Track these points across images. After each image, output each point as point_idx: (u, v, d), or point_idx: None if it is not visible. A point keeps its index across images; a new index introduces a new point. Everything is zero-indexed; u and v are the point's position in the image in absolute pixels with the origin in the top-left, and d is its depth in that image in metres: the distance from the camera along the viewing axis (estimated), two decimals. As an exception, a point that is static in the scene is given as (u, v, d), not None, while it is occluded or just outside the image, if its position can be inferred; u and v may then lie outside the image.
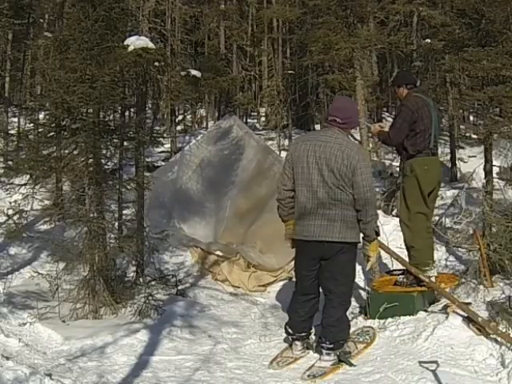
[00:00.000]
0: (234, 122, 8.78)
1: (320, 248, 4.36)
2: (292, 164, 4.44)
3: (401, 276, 5.69)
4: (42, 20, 12.44)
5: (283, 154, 12.21)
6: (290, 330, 4.77)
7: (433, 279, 5.46)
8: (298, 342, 4.75)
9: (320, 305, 4.71)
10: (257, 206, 7.85)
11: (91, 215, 5.85)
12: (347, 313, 4.69)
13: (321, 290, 4.67)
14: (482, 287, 5.43)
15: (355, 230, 4.37)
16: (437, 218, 7.68)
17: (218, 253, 7.33)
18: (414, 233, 5.53)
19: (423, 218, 5.56)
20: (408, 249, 5.66)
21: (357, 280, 6.83)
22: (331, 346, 4.44)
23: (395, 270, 6.15)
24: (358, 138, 9.93)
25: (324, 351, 4.48)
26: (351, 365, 4.47)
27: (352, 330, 4.82)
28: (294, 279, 6.76)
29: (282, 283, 7.22)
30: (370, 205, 4.28)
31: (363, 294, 6.35)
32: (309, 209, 4.33)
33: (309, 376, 4.38)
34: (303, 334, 4.75)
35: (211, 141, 8.70)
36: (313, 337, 4.94)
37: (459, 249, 6.94)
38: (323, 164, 4.28)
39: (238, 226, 7.72)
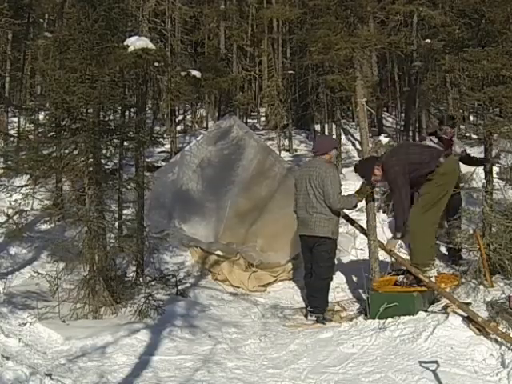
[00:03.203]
0: (234, 122, 8.78)
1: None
2: (296, 185, 6.20)
3: (401, 276, 5.69)
4: (41, 20, 12.44)
5: (283, 154, 12.23)
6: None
7: (433, 279, 5.46)
8: (308, 307, 6.09)
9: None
10: (257, 205, 7.85)
11: (91, 215, 5.85)
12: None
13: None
14: (481, 287, 5.42)
15: (327, 228, 5.91)
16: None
17: (219, 252, 7.33)
18: (418, 234, 5.53)
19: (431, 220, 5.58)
20: (409, 248, 5.67)
21: (356, 280, 6.88)
22: (311, 309, 5.97)
23: (395, 270, 6.16)
24: (358, 138, 9.95)
25: (308, 313, 5.99)
26: (323, 324, 5.77)
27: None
28: (293, 280, 7.29)
29: (282, 283, 7.23)
30: (335, 204, 5.88)
31: (363, 294, 6.36)
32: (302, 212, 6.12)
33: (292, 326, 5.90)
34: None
35: (211, 141, 8.70)
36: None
37: (459, 249, 6.92)
38: (309, 182, 5.96)
39: (239, 225, 7.71)
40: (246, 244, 7.56)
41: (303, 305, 6.48)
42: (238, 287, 6.97)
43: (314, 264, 6.00)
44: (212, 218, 7.86)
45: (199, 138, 9.30)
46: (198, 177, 8.39)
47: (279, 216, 7.55)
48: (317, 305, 5.95)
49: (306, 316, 6.06)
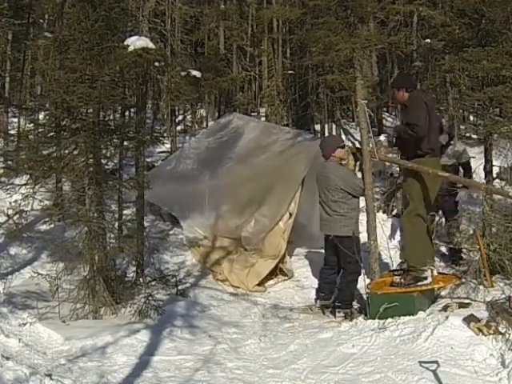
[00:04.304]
0: (234, 116, 8.83)
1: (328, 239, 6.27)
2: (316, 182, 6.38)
3: (397, 277, 5.66)
4: (41, 20, 12.41)
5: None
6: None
7: (429, 280, 5.46)
8: (317, 301, 6.29)
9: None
10: (254, 176, 7.78)
11: (91, 215, 5.85)
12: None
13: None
14: (481, 287, 5.43)
15: (347, 228, 6.05)
16: (437, 218, 7.68)
17: (227, 235, 7.32)
18: (412, 234, 5.52)
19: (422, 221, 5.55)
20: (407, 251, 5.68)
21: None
22: (339, 304, 6.03)
23: (395, 271, 6.15)
24: (359, 138, 9.93)
25: (336, 309, 6.05)
26: (352, 320, 5.69)
27: None
28: (292, 278, 7.39)
29: (282, 283, 7.23)
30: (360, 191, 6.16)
31: (363, 294, 6.36)
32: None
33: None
34: (321, 294, 6.29)
35: (210, 134, 8.76)
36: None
37: (459, 249, 6.92)
38: (327, 189, 6.15)
39: (236, 195, 7.67)
40: (242, 218, 7.53)
41: (303, 305, 6.50)
42: (238, 287, 6.98)
43: (341, 261, 6.15)
44: (207, 192, 7.79)
45: (199, 134, 9.36)
46: (194, 162, 8.42)
47: (280, 183, 7.53)
48: (345, 299, 6.04)
49: (333, 313, 6.08)
